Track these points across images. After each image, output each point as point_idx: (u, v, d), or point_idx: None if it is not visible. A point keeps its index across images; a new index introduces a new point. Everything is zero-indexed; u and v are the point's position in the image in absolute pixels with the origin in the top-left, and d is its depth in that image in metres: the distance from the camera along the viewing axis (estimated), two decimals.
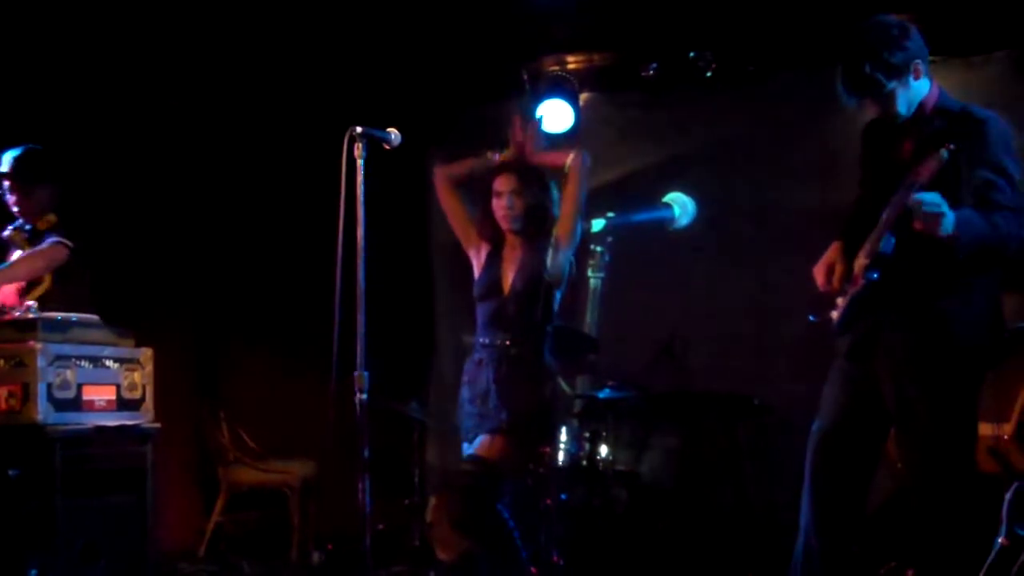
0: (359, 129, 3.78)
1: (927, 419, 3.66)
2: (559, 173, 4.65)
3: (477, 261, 4.74)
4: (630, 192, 6.68)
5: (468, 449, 4.58)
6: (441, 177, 4.73)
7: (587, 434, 6.04)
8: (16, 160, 4.82)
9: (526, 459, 5.25)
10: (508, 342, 4.51)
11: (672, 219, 6.17)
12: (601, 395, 6.07)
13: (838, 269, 3.83)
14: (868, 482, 3.87)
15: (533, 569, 5.19)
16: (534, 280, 4.55)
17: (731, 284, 6.47)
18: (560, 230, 4.61)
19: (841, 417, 3.83)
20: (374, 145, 3.85)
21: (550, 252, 4.58)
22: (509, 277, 4.60)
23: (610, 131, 6.83)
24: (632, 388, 6.15)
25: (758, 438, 6.20)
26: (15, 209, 4.88)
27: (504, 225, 4.64)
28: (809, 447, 3.89)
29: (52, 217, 4.92)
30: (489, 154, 4.68)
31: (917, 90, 3.74)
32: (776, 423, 6.10)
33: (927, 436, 3.67)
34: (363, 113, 4.16)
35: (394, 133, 3.93)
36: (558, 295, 4.64)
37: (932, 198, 3.49)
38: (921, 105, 3.76)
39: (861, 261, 3.70)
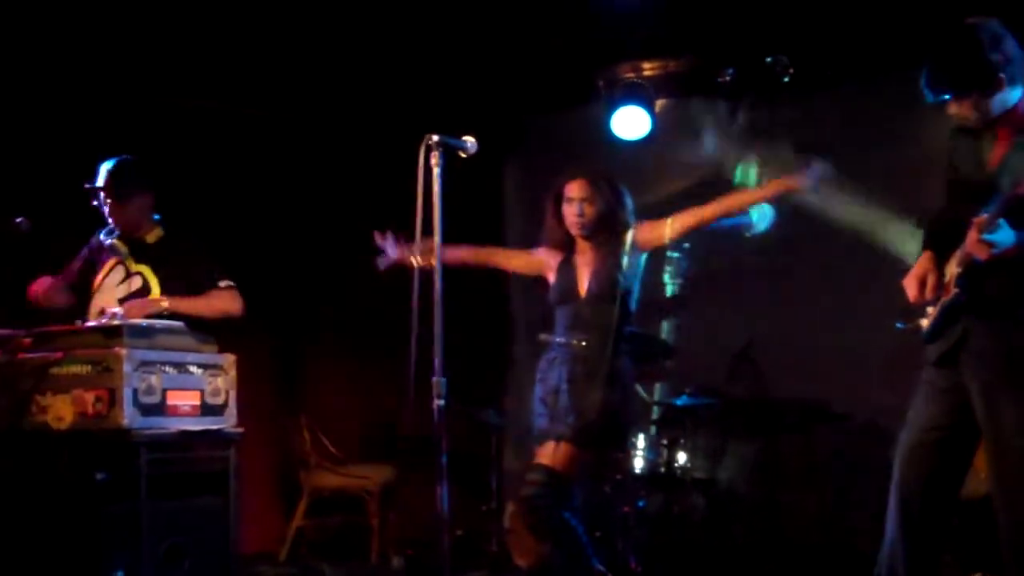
0: (435, 137, 3.77)
1: (1016, 427, 3.56)
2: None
3: (550, 273, 4.72)
4: (706, 198, 6.60)
5: (538, 447, 4.56)
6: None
7: (665, 441, 6.01)
8: (111, 172, 4.89)
9: (596, 465, 5.21)
10: (583, 342, 4.48)
11: (750, 225, 6.10)
12: (679, 402, 6.03)
13: (931, 280, 3.74)
14: (956, 493, 3.79)
15: (633, 564, 5.16)
16: (609, 283, 4.51)
17: (809, 291, 6.37)
18: (647, 237, 4.58)
19: (929, 427, 3.75)
20: (450, 153, 3.83)
21: (634, 247, 4.55)
22: (584, 281, 4.59)
23: (686, 137, 6.77)
24: (710, 395, 6.10)
25: (838, 445, 6.11)
26: (111, 220, 4.94)
27: (574, 231, 4.62)
28: (896, 457, 3.81)
29: (159, 230, 5.00)
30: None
31: (1005, 96, 3.64)
32: (856, 430, 6.01)
33: (1016, 444, 3.57)
34: (439, 121, 4.16)
35: (470, 141, 3.90)
36: (634, 297, 4.59)
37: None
38: (1010, 112, 3.65)
39: (953, 269, 3.63)
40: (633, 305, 4.61)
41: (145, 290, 4.88)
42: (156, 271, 4.91)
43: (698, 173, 6.59)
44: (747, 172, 5.31)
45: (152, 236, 4.99)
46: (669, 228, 4.60)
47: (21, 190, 5.51)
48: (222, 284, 4.89)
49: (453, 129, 3.90)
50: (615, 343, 4.51)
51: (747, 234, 6.17)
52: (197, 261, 4.93)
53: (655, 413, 5.92)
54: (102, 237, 5.02)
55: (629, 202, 4.66)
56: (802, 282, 6.42)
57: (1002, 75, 3.59)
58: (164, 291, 4.85)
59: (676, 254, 5.86)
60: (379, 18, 5.98)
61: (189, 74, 6.23)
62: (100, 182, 4.89)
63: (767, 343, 6.36)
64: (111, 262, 4.98)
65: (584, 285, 4.59)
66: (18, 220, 4.60)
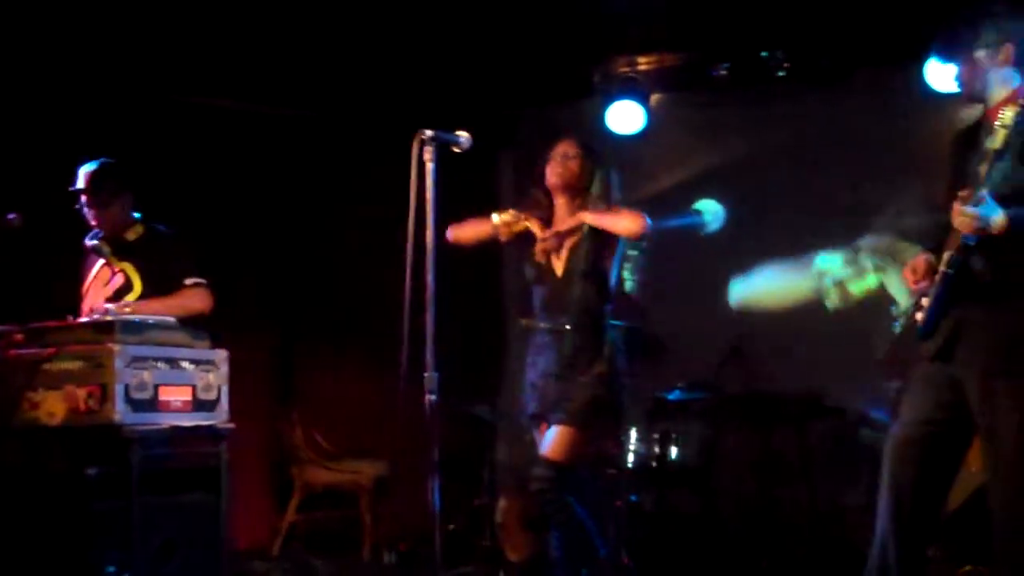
0: (429, 133, 3.78)
1: (1012, 418, 3.57)
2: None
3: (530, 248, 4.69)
4: (701, 193, 6.64)
5: (535, 433, 4.55)
6: (456, 239, 4.64)
7: (656, 436, 6.02)
8: (91, 175, 4.90)
9: (596, 449, 5.21)
10: (568, 325, 4.47)
11: (703, 225, 6.38)
12: (671, 396, 6.04)
13: (921, 265, 3.75)
14: (947, 488, 3.80)
15: (625, 559, 5.16)
16: (586, 260, 4.49)
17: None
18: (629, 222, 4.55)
19: (922, 421, 3.76)
20: (444, 148, 3.84)
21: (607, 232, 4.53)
22: (562, 259, 4.56)
23: (681, 132, 6.79)
24: (702, 389, 6.12)
25: (832, 439, 6.12)
26: (94, 222, 4.95)
27: (552, 182, 4.56)
28: (886, 451, 3.83)
29: (140, 227, 5.00)
30: (496, 220, 4.61)
31: (1006, 76, 3.67)
32: (851, 424, 6.02)
33: (1012, 436, 3.59)
34: (432, 116, 4.16)
35: (464, 136, 3.91)
36: (613, 280, 4.58)
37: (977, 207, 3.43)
38: (1010, 96, 3.66)
39: (945, 256, 3.64)
40: (612, 286, 4.58)
41: (128, 287, 4.90)
42: (138, 267, 4.92)
43: (693, 168, 6.63)
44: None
45: (133, 233, 5.00)
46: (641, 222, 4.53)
47: (14, 186, 5.51)
48: (188, 282, 4.87)
49: (447, 124, 3.91)
50: (601, 320, 4.50)
51: (701, 233, 6.40)
52: (169, 258, 4.93)
53: (646, 407, 5.92)
54: (87, 241, 5.04)
55: (616, 180, 4.63)
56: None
57: (1009, 44, 3.63)
58: (145, 287, 4.86)
59: (634, 251, 5.86)
60: (372, 13, 5.99)
61: (183, 70, 6.23)
62: (80, 184, 4.90)
63: (760, 336, 6.38)
64: (98, 265, 5.00)
65: (560, 263, 4.57)
66: (10, 216, 4.60)
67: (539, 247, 4.55)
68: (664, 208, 5.68)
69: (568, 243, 4.54)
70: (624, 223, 4.48)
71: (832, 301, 5.76)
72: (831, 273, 5.82)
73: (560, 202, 4.61)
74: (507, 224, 4.58)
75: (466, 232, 4.65)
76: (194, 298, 4.85)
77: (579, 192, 4.57)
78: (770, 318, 6.35)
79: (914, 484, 3.74)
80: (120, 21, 5.68)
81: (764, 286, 6.03)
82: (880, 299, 5.40)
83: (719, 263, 6.49)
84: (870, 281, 5.55)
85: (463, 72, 6.64)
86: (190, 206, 6.04)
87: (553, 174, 4.56)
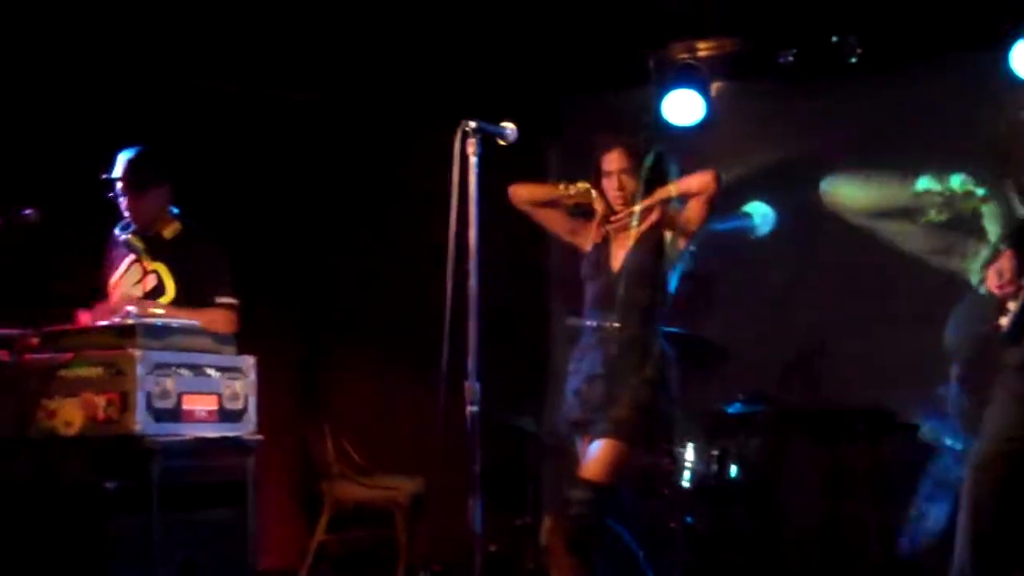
0: (472, 124, 3.80)
1: None
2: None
3: (587, 243, 4.70)
4: (767, 187, 6.64)
5: (577, 444, 4.56)
6: (516, 199, 4.72)
7: (715, 452, 6.01)
8: (130, 163, 4.93)
9: (646, 465, 5.20)
10: (617, 324, 4.48)
11: (752, 228, 6.50)
12: (731, 410, 6.04)
13: (1007, 268, 3.74)
14: None
15: None
16: (649, 260, 4.52)
17: (877, 285, 6.37)
18: (687, 219, 4.56)
19: (1006, 437, 3.74)
20: (488, 140, 3.86)
21: (668, 236, 4.56)
22: (620, 254, 4.57)
23: (744, 124, 6.78)
24: (765, 401, 6.10)
25: (907, 457, 6.09)
26: (128, 213, 4.98)
27: (616, 206, 4.60)
28: (967, 470, 3.81)
29: (177, 224, 5.04)
30: (563, 186, 4.66)
31: None
32: (927, 442, 5.99)
33: None
34: (476, 106, 4.18)
35: (509, 127, 3.93)
36: (673, 283, 4.60)
37: None
38: None
39: None
40: (672, 289, 4.60)
41: (159, 290, 4.94)
42: (172, 270, 4.95)
43: (755, 163, 6.62)
44: None
45: (170, 231, 5.04)
46: (686, 223, 4.57)
47: (30, 179, 5.58)
48: (220, 301, 4.92)
49: (491, 114, 3.93)
50: (653, 324, 4.51)
51: (750, 237, 6.43)
52: (206, 269, 4.97)
53: (704, 422, 5.91)
54: (117, 233, 5.06)
55: (675, 171, 4.64)
56: (871, 277, 6.42)
57: None
58: (178, 293, 4.91)
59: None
60: None
61: (207, 53, 6.27)
62: (117, 172, 4.94)
63: (829, 344, 6.36)
64: (127, 260, 5.03)
65: (620, 258, 4.57)
66: (27, 211, 4.66)
67: (614, 220, 4.56)
68: (724, 206, 5.67)
69: (635, 233, 4.55)
70: (697, 180, 4.52)
71: (929, 217, 5.84)
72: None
73: None
74: (577, 191, 4.63)
75: (528, 191, 4.71)
76: (221, 319, 4.89)
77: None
78: (842, 323, 6.33)
79: (997, 506, 3.73)
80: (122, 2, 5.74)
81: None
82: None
83: (782, 265, 6.49)
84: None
85: (506, 56, 6.65)
86: (218, 202, 6.09)
87: (612, 198, 4.59)
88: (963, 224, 6.10)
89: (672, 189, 4.53)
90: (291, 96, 6.81)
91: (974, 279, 5.77)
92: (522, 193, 4.73)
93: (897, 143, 6.44)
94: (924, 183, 5.90)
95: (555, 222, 4.77)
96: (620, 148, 4.57)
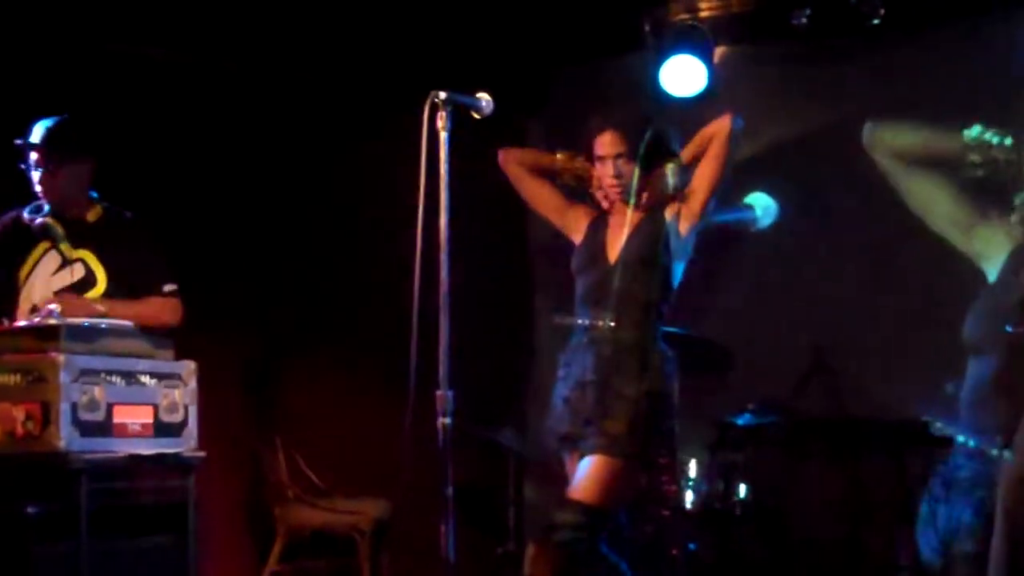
0: (443, 95, 3.80)
1: None
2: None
3: (578, 235, 4.72)
4: (778, 166, 6.65)
5: (566, 461, 4.56)
6: (506, 162, 4.77)
7: (721, 469, 6.02)
8: (50, 131, 4.88)
9: (643, 484, 5.20)
10: (612, 322, 4.48)
11: (753, 220, 6.61)
12: (739, 421, 6.05)
13: None
14: None
15: None
16: (650, 248, 4.52)
17: (905, 284, 6.39)
18: (691, 200, 4.58)
19: None
20: (461, 113, 3.86)
21: (674, 222, 4.56)
22: (617, 244, 4.57)
23: (752, 93, 6.77)
24: (777, 412, 6.11)
25: (936, 474, 6.11)
26: (39, 188, 4.90)
27: (612, 197, 4.62)
28: (1001, 487, 3.83)
29: (99, 208, 5.01)
30: (562, 156, 4.70)
31: None
32: (959, 455, 6.01)
33: None
34: (448, 75, 4.17)
35: (485, 99, 3.94)
36: (678, 274, 4.60)
37: None
38: None
39: None
40: (675, 283, 4.60)
41: (90, 281, 4.89)
42: (101, 257, 4.91)
43: (765, 139, 6.62)
44: None
45: (92, 215, 5.00)
46: (695, 193, 4.59)
47: None
48: (166, 289, 4.90)
49: (465, 85, 3.93)
50: (653, 323, 4.52)
51: (751, 230, 6.49)
52: (143, 255, 4.95)
53: (709, 434, 5.92)
54: (26, 215, 4.98)
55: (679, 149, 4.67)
56: (897, 273, 6.44)
57: None
58: (111, 282, 4.87)
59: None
60: None
61: (129, 14, 6.18)
62: (35, 140, 4.89)
63: (849, 348, 6.37)
64: (41, 247, 4.96)
65: (616, 248, 4.57)
66: None
67: (608, 184, 4.58)
68: (732, 188, 5.68)
69: (633, 218, 4.55)
70: (711, 128, 4.63)
71: (968, 170, 5.96)
72: (983, 140, 6.01)
73: None
74: (580, 164, 4.67)
75: (523, 152, 4.77)
76: (167, 309, 4.88)
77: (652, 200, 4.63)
78: (863, 325, 6.34)
79: None
80: None
81: (908, 129, 6.15)
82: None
83: (797, 259, 6.50)
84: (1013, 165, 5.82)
85: (485, 21, 6.64)
86: (149, 185, 6.06)
87: (608, 186, 4.60)
88: (997, 189, 6.18)
89: (687, 154, 4.62)
90: (231, 65, 6.77)
91: (990, 271, 5.85)
92: (516, 154, 4.77)
93: (927, 116, 6.45)
94: (974, 132, 6.04)
95: (546, 198, 4.77)
96: (613, 130, 4.58)
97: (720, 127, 4.61)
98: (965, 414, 6.05)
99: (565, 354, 4.60)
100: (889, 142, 6.31)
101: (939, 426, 5.90)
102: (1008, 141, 5.72)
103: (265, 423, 6.98)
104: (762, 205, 6.65)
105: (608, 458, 4.37)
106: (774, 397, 6.25)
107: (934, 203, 6.24)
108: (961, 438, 5.89)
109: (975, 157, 5.98)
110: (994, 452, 5.82)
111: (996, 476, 5.34)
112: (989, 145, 5.82)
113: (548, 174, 4.73)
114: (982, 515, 5.13)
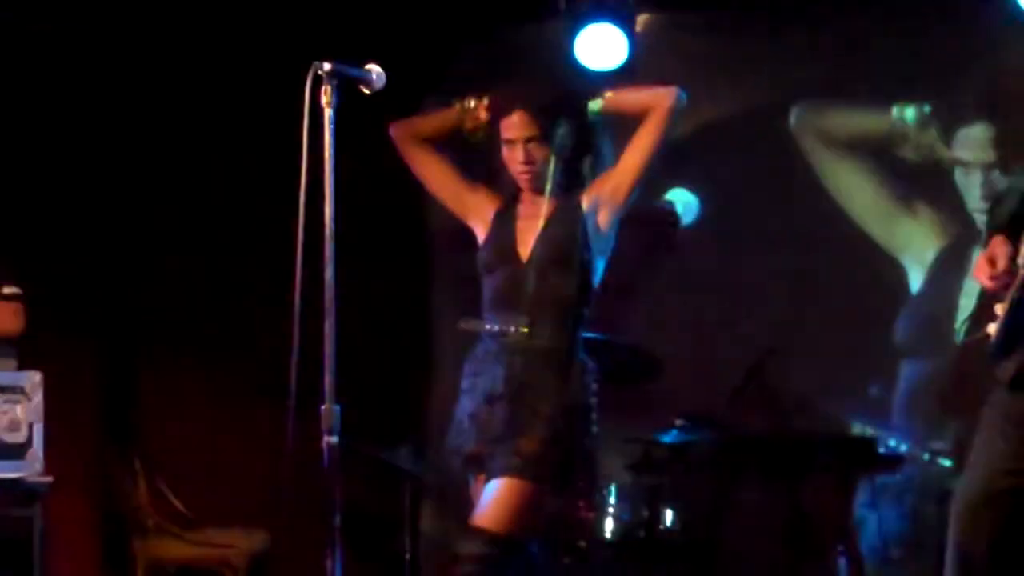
0: (327, 66, 3.78)
1: None
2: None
3: (482, 225, 4.69)
4: (707, 154, 6.69)
5: (470, 486, 4.55)
6: (401, 136, 4.74)
7: (645, 493, 6.04)
8: None
9: (557, 511, 5.21)
10: (526, 328, 4.46)
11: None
12: (666, 438, 6.06)
13: (1000, 262, 3.81)
14: None
15: None
16: (566, 242, 4.50)
17: (841, 276, 6.47)
18: (617, 180, 4.56)
19: (1000, 470, 3.81)
20: (348, 87, 3.84)
21: (592, 212, 4.55)
22: (529, 238, 4.56)
23: (679, 66, 6.80)
24: (709, 427, 6.15)
25: (886, 495, 6.19)
26: None
27: (523, 185, 4.61)
28: (953, 511, 3.88)
29: None
30: (464, 102, 4.67)
31: None
32: (911, 475, 6.09)
33: None
34: (334, 44, 4.15)
35: (375, 71, 3.92)
36: (599, 272, 4.60)
37: None
38: None
39: None
40: (596, 281, 4.60)
41: None
42: None
43: (695, 118, 6.65)
44: None
45: None
46: (620, 177, 4.59)
47: None
48: (6, 292, 4.86)
49: (352, 55, 3.91)
50: (573, 329, 4.51)
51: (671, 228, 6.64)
52: None
53: (631, 453, 5.95)
54: None
55: (601, 129, 4.66)
56: (833, 264, 6.52)
57: None
58: None
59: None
60: None
61: None
62: None
63: (791, 352, 6.42)
64: None
65: (528, 244, 4.55)
66: None
67: (517, 171, 4.56)
68: (657, 175, 5.70)
69: (547, 209, 4.54)
70: (646, 98, 4.59)
71: (900, 151, 6.13)
72: (910, 121, 6.17)
73: None
74: (476, 109, 4.65)
75: (413, 126, 4.73)
76: (7, 315, 4.83)
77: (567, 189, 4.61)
78: (803, 330, 6.40)
79: (989, 549, 3.80)
80: None
81: (837, 113, 6.27)
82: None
83: (721, 256, 6.54)
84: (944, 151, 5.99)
85: None
86: None
87: (517, 173, 4.58)
88: (929, 176, 6.35)
89: (611, 100, 4.59)
90: (79, 27, 6.70)
91: (912, 268, 6.05)
92: (409, 125, 4.74)
93: (876, 90, 6.55)
94: (905, 112, 6.21)
95: (443, 179, 4.74)
96: (523, 110, 4.55)
97: (659, 100, 4.56)
98: (897, 418, 6.19)
99: (470, 363, 4.58)
100: (818, 125, 6.44)
101: (864, 430, 6.04)
102: (930, 122, 5.91)
103: (121, 442, 6.93)
104: (683, 201, 6.83)
105: (519, 481, 4.35)
106: (705, 410, 6.28)
107: (859, 191, 6.42)
108: (892, 442, 6.04)
109: (905, 139, 6.15)
110: (925, 456, 5.98)
111: (928, 482, 5.48)
112: (918, 125, 5.99)
113: (452, 138, 4.69)
114: (912, 521, 5.27)
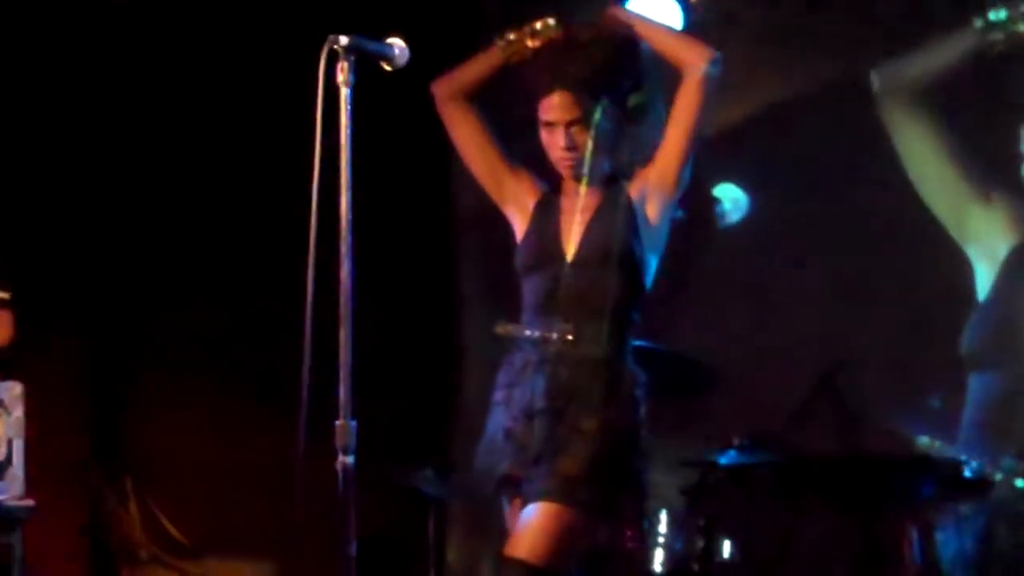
0: (344, 40, 3.80)
1: None
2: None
3: (521, 216, 4.71)
4: (765, 139, 6.70)
5: (504, 510, 4.57)
6: (443, 94, 4.75)
7: (700, 522, 6.05)
8: None
9: (601, 541, 5.23)
10: (570, 335, 4.48)
11: (722, 214, 6.87)
12: (723, 460, 6.07)
13: None
14: None
15: None
16: (614, 240, 4.52)
17: (926, 279, 6.47)
18: (662, 163, 4.58)
19: None
20: (368, 63, 3.86)
21: (643, 197, 4.57)
22: (574, 236, 4.58)
23: (739, 39, 6.81)
24: (772, 448, 6.15)
25: (978, 525, 6.18)
26: None
27: (564, 173, 4.63)
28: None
29: None
30: (509, 36, 4.69)
31: None
32: (1000, 502, 6.08)
33: None
34: (351, 17, 4.18)
35: (397, 45, 3.94)
36: (652, 267, 4.61)
37: None
38: None
39: None
40: (649, 282, 4.61)
41: None
42: None
43: (754, 100, 6.67)
44: None
45: None
46: (665, 159, 4.60)
47: None
48: None
49: (373, 28, 3.93)
50: (622, 336, 4.53)
51: (719, 226, 6.63)
52: None
53: (685, 477, 5.96)
54: None
55: (661, 106, 4.66)
56: (916, 268, 6.51)
57: None
58: None
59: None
60: None
61: None
62: None
63: (866, 364, 6.42)
64: None
65: (573, 241, 4.57)
66: None
67: (558, 157, 4.57)
68: (707, 164, 5.71)
69: (592, 201, 4.57)
70: (680, 46, 4.69)
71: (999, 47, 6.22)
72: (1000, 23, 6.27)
73: None
74: (523, 42, 4.69)
75: (456, 80, 4.75)
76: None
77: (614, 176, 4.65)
78: (880, 340, 6.40)
79: None
80: None
81: (919, 58, 6.33)
82: None
83: (789, 255, 6.55)
84: None
85: None
86: None
87: (558, 160, 4.59)
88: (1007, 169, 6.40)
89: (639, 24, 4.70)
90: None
91: (979, 260, 6.07)
92: (452, 81, 4.75)
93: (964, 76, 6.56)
94: (1001, 14, 6.33)
95: (484, 157, 4.73)
96: (565, 90, 4.56)
97: (692, 58, 4.61)
98: (967, 434, 6.19)
99: (506, 373, 4.59)
100: (904, 76, 6.48)
101: (932, 444, 6.04)
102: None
103: (111, 462, 6.96)
104: (731, 198, 6.84)
105: (559, 506, 4.35)
106: (769, 429, 6.28)
107: (936, 169, 6.42)
108: (963, 458, 6.03)
109: (997, 35, 6.22)
110: (999, 476, 5.99)
111: (1001, 504, 5.50)
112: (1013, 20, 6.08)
113: (480, 85, 4.73)
114: (983, 543, 5.27)
